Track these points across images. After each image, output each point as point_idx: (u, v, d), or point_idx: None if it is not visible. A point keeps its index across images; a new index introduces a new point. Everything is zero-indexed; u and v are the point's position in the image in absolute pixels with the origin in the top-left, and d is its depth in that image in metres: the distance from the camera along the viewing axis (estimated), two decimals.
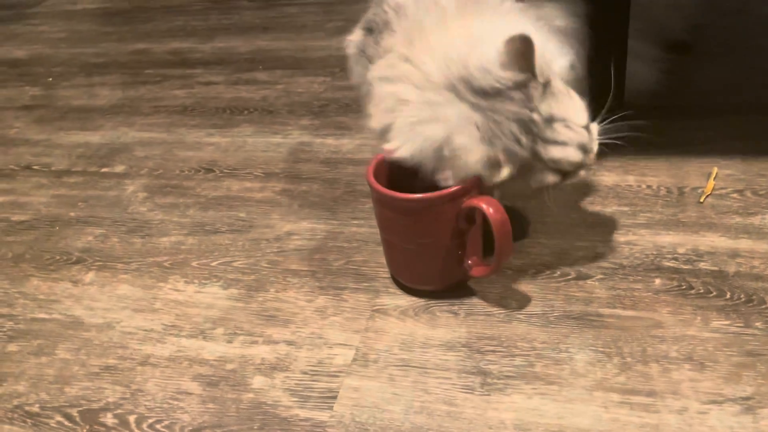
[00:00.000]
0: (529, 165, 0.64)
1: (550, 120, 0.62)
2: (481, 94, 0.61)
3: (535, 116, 0.61)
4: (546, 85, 0.61)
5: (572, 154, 0.63)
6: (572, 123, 0.63)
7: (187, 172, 1.03)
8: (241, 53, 1.45)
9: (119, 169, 1.07)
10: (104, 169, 1.07)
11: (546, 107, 0.61)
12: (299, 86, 1.27)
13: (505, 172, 0.63)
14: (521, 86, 0.60)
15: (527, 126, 0.61)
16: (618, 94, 0.93)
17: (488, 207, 0.65)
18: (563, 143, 0.63)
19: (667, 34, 1.10)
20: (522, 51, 0.59)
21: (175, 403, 0.65)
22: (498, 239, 0.65)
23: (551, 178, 0.65)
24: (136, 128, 1.19)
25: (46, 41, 1.70)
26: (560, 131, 0.62)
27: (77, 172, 1.08)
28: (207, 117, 1.19)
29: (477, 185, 0.67)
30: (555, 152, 0.63)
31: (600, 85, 0.88)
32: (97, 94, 1.35)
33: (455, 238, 0.69)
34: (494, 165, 0.63)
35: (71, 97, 1.36)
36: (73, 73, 1.47)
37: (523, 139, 0.62)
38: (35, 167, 1.11)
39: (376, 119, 0.67)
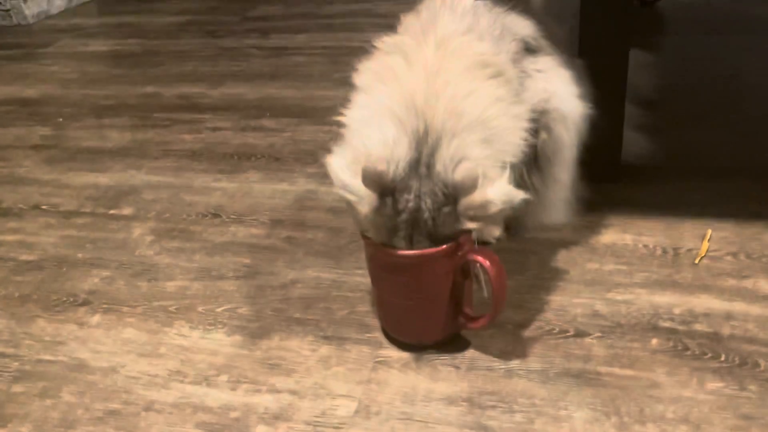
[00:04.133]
0: None
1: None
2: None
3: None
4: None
5: None
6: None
7: (194, 217, 1.05)
8: (249, 100, 1.49)
9: (127, 211, 1.09)
10: (112, 211, 1.09)
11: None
12: (306, 134, 1.30)
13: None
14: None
15: None
16: (615, 157, 0.97)
17: (485, 260, 0.67)
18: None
19: (637, 92, 1.15)
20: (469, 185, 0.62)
21: None
22: (495, 292, 0.67)
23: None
24: (145, 171, 1.21)
25: (57, 81, 1.74)
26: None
27: (85, 213, 1.10)
28: (214, 162, 1.22)
29: (471, 240, 0.69)
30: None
31: (599, 148, 0.91)
32: (107, 136, 1.38)
33: (452, 292, 0.70)
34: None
35: (81, 138, 1.39)
36: (84, 115, 1.51)
37: None
38: (44, 207, 1.13)
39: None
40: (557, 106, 0.78)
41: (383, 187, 0.64)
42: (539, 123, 0.78)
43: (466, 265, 0.69)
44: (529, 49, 0.78)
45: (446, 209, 0.64)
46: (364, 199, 0.64)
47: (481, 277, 0.79)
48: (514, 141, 0.68)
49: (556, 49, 0.83)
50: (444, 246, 0.67)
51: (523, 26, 0.79)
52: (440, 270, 0.69)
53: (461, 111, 0.64)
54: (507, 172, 0.65)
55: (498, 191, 0.63)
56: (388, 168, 0.63)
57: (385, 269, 0.70)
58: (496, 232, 0.89)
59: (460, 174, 0.62)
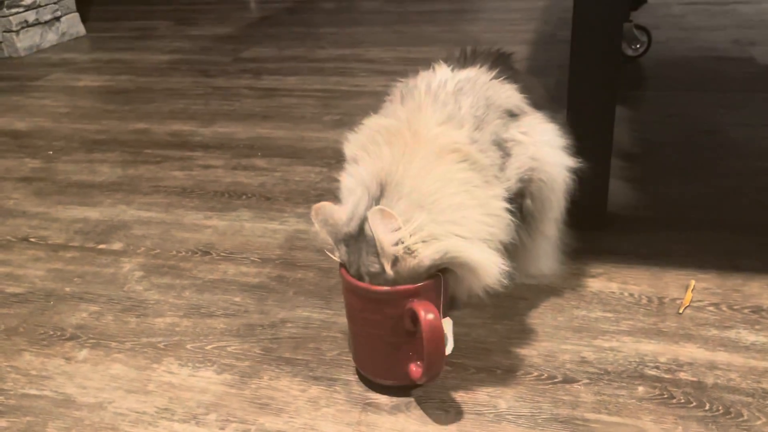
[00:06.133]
0: None
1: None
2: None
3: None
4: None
5: None
6: None
7: (184, 254, 1.05)
8: (241, 139, 1.51)
9: (116, 246, 1.09)
10: (101, 246, 1.09)
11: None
12: (297, 175, 1.32)
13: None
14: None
15: None
16: (600, 206, 1.00)
17: (420, 309, 0.66)
18: None
19: (618, 145, 1.18)
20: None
21: None
22: (426, 343, 0.65)
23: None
24: (135, 207, 1.22)
25: (48, 115, 1.75)
26: None
27: (74, 247, 1.09)
28: (205, 200, 1.23)
29: (431, 290, 0.69)
30: None
31: (585, 197, 0.94)
32: (97, 171, 1.38)
33: (401, 337, 0.70)
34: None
35: (71, 171, 1.39)
36: (74, 148, 1.51)
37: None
38: (32, 239, 1.12)
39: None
40: (544, 172, 0.81)
41: (331, 228, 0.71)
42: (524, 190, 0.81)
43: (413, 315, 0.68)
44: (513, 115, 0.82)
45: (377, 264, 0.68)
46: (327, 245, 0.72)
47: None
48: (474, 218, 0.71)
49: (541, 107, 0.86)
50: (393, 287, 0.68)
51: (507, 96, 0.82)
52: (388, 310, 0.69)
53: (402, 183, 0.70)
54: (421, 222, 0.67)
55: (401, 232, 0.66)
56: (347, 220, 0.70)
57: (345, 292, 0.73)
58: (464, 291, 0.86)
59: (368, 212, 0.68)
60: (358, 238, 0.69)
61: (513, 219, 0.75)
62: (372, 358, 0.75)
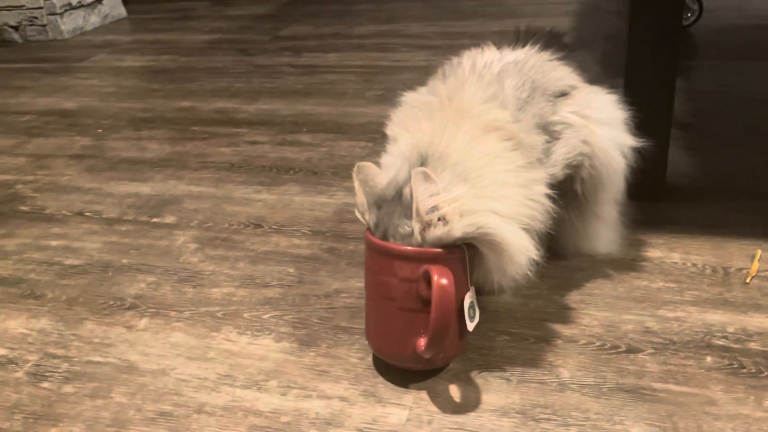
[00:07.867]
0: None
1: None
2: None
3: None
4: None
5: None
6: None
7: (236, 226, 1.06)
8: (285, 116, 1.51)
9: (169, 219, 1.10)
10: (155, 219, 1.10)
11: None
12: (342, 150, 1.31)
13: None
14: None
15: None
16: (659, 177, 0.97)
17: (435, 272, 0.63)
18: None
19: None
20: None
21: None
22: (434, 306, 0.62)
23: None
24: (185, 182, 1.23)
25: (95, 94, 1.77)
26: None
27: (128, 220, 1.11)
28: (254, 174, 1.23)
29: (455, 260, 0.67)
30: None
31: (646, 166, 0.91)
32: (146, 148, 1.40)
33: (414, 302, 0.67)
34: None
35: (120, 148, 1.41)
36: (122, 126, 1.53)
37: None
38: (87, 214, 1.14)
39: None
40: (597, 157, 0.78)
41: (369, 189, 0.70)
42: (574, 175, 0.79)
43: (428, 279, 0.65)
44: (565, 95, 0.79)
45: (408, 227, 0.66)
46: (360, 205, 0.71)
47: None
48: (516, 199, 0.69)
49: (595, 82, 0.83)
50: (414, 247, 0.66)
51: (558, 78, 0.79)
52: (403, 272, 0.67)
53: (446, 154, 0.68)
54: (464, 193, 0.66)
55: (439, 198, 0.64)
56: (386, 184, 0.69)
57: (366, 254, 0.71)
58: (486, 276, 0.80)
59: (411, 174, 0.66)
60: (392, 202, 0.68)
61: (553, 206, 0.73)
62: (383, 330, 0.71)
